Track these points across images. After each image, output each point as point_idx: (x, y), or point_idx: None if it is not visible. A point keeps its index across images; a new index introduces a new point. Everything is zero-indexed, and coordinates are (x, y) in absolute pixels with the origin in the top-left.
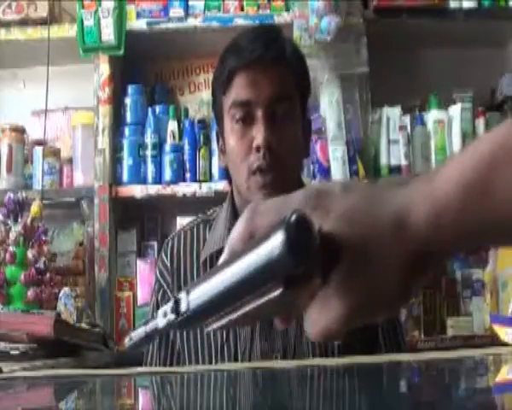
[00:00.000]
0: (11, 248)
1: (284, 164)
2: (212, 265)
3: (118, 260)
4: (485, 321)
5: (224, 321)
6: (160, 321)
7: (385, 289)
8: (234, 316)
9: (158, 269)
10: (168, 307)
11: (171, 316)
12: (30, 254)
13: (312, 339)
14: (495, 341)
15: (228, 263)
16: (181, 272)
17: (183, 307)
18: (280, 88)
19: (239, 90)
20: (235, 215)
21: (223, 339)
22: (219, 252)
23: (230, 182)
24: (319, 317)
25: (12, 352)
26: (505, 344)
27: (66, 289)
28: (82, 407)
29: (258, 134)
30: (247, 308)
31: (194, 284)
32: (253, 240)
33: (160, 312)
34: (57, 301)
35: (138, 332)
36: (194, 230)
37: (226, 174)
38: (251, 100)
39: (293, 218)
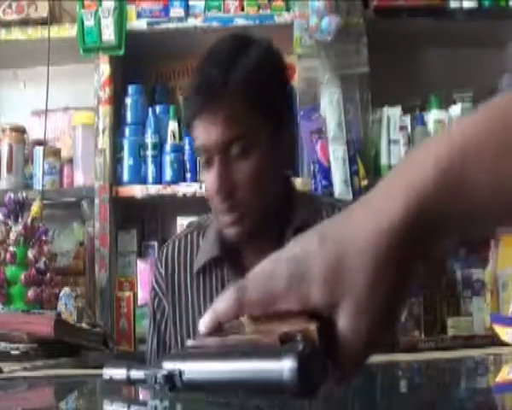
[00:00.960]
0: (11, 248)
1: (247, 201)
2: (204, 275)
3: (118, 260)
4: (485, 321)
5: (220, 395)
6: (150, 381)
7: (391, 308)
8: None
9: (153, 276)
10: (160, 377)
11: (164, 386)
12: (30, 254)
13: None
14: (495, 341)
15: (231, 357)
16: (175, 280)
17: (176, 383)
18: (231, 129)
19: (196, 136)
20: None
21: None
22: (211, 262)
23: None
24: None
25: (12, 352)
26: (505, 344)
27: (66, 289)
28: (82, 406)
29: (214, 181)
30: (245, 394)
31: (188, 360)
32: (258, 340)
33: (148, 374)
34: (57, 301)
35: (119, 373)
36: (189, 237)
37: None
38: (206, 147)
39: (307, 350)
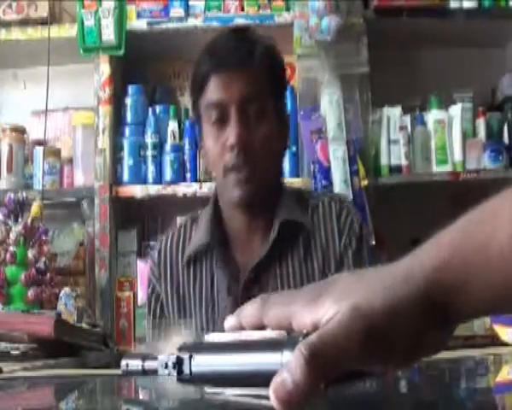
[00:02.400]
0: (11, 249)
1: (258, 161)
2: (194, 264)
3: (118, 260)
4: (485, 321)
5: (226, 390)
6: (161, 369)
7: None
8: (235, 391)
9: (150, 268)
10: (170, 361)
11: (173, 372)
12: (30, 254)
13: None
14: (495, 341)
15: (238, 349)
16: (167, 270)
17: (185, 370)
18: (250, 89)
19: (212, 92)
20: (216, 213)
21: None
22: (201, 249)
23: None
24: None
25: (12, 352)
26: (506, 344)
27: (66, 290)
28: (82, 406)
29: (232, 133)
30: (248, 391)
31: (198, 350)
32: (266, 337)
33: (161, 360)
34: (57, 301)
35: (135, 364)
36: (182, 229)
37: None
38: (223, 101)
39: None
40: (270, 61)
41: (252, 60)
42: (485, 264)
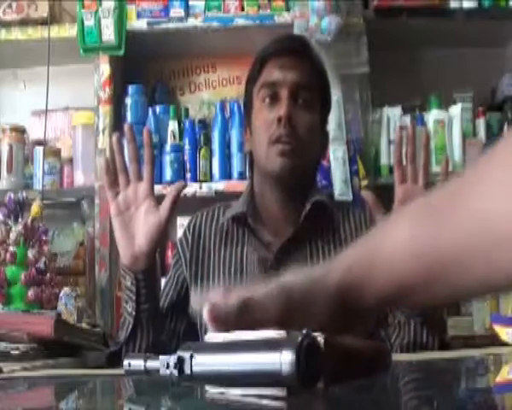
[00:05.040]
0: (11, 249)
1: (302, 140)
2: (230, 228)
3: (118, 260)
4: (485, 321)
5: (226, 390)
6: (162, 369)
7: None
8: (236, 390)
9: (179, 241)
10: (171, 361)
11: (174, 371)
12: (30, 254)
13: None
14: (495, 341)
15: (238, 349)
16: (200, 241)
17: (186, 369)
18: (303, 76)
19: (269, 72)
20: (252, 191)
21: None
22: (237, 216)
23: (251, 173)
24: None
25: (12, 352)
26: (506, 344)
27: (66, 290)
28: (82, 406)
29: (282, 108)
30: (249, 390)
31: (199, 350)
32: (265, 337)
33: (163, 360)
34: (58, 302)
35: (138, 363)
36: (216, 211)
37: (250, 160)
38: (278, 81)
39: (305, 342)
40: (323, 72)
41: (308, 55)
42: (374, 270)
